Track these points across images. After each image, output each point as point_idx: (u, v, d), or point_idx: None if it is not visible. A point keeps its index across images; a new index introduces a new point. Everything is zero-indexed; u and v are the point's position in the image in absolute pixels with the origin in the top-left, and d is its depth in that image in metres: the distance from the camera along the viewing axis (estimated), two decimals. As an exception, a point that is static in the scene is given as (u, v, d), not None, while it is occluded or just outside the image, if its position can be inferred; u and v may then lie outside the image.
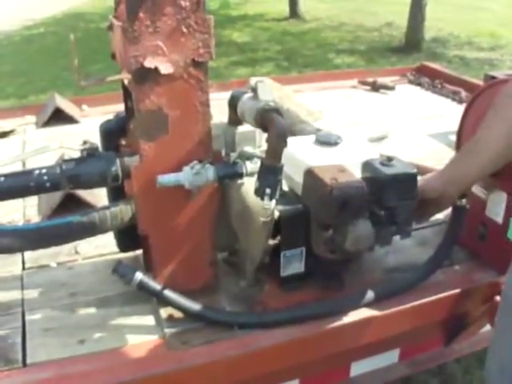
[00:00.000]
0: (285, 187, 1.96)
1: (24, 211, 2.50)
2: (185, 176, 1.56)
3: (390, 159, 1.75)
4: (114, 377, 1.56)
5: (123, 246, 1.98)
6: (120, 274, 1.68)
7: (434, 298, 1.77)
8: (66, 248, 2.15)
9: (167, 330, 1.72)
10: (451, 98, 3.85)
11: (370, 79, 4.09)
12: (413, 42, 8.47)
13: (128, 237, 1.88)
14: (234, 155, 1.63)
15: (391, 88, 4.02)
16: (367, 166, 1.78)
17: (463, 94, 3.85)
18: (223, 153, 1.68)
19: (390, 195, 1.71)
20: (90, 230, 1.71)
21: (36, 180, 1.63)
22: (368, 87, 4.10)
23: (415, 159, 2.92)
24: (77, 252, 2.18)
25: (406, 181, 1.72)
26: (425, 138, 3.24)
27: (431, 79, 4.15)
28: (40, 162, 1.85)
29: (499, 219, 1.94)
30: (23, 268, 2.08)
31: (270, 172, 1.51)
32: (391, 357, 2.04)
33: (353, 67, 7.07)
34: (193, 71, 1.54)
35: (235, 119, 1.74)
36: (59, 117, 3.53)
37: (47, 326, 1.78)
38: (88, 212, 1.70)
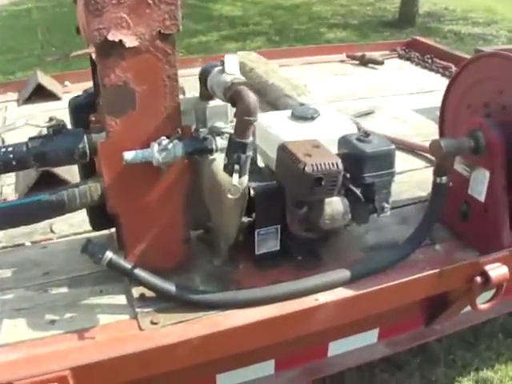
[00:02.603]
0: (261, 163, 1.93)
1: (1, 190, 2.46)
2: (152, 152, 1.51)
3: (366, 134, 1.70)
4: (84, 357, 1.52)
5: (96, 224, 1.93)
6: (89, 253, 1.64)
7: (411, 277, 1.72)
8: (41, 227, 2.12)
9: (138, 310, 1.69)
10: (441, 74, 3.79)
11: (359, 53, 4.02)
12: (406, 16, 8.32)
13: (101, 215, 1.83)
14: (203, 131, 1.57)
15: (380, 63, 3.95)
16: (343, 141, 1.74)
17: (454, 69, 3.77)
18: (193, 128, 1.62)
19: (366, 172, 1.67)
20: (59, 208, 1.67)
21: (2, 158, 1.58)
22: (356, 62, 4.03)
23: (401, 135, 2.91)
24: (52, 231, 2.14)
25: (383, 157, 1.68)
26: (412, 114, 3.19)
27: (422, 54, 4.08)
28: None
29: (481, 198, 1.90)
30: (-3, 247, 2.04)
31: (239, 148, 1.46)
32: (370, 336, 2.01)
33: (345, 42, 6.94)
34: (159, 44, 1.48)
35: (206, 94, 1.68)
36: (41, 94, 3.46)
37: (19, 306, 1.74)
38: (57, 190, 1.66)
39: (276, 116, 1.89)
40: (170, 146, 1.51)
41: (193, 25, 8.82)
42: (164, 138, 1.51)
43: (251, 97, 1.46)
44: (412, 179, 2.44)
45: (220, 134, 1.56)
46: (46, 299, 1.78)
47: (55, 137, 1.59)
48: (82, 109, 1.76)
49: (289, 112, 1.88)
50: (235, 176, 1.46)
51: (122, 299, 1.76)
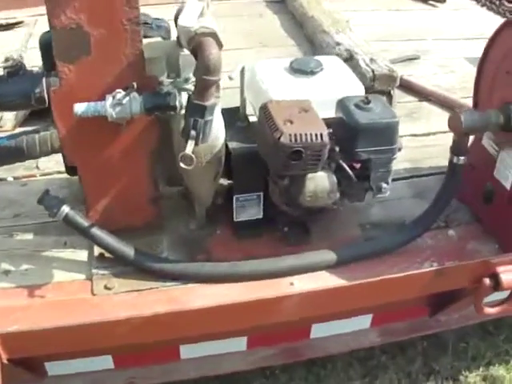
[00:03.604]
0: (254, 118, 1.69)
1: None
2: (105, 106, 1.30)
3: (367, 101, 1.43)
4: (27, 320, 1.41)
5: (70, 170, 1.77)
6: (45, 206, 1.49)
7: (404, 274, 1.49)
8: (28, 162, 1.97)
9: (94, 271, 1.55)
10: (507, 18, 3.30)
11: (420, -13, 3.57)
12: None
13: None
14: (166, 84, 1.34)
15: (441, 0, 3.49)
16: (341, 105, 1.47)
17: (525, 15, 3.31)
18: (163, 80, 1.39)
19: (360, 146, 1.42)
20: (17, 154, 1.54)
21: None
22: (417, -4, 3.59)
23: (445, 86, 2.57)
24: (37, 167, 2.01)
25: (381, 130, 1.42)
26: (463, 63, 2.79)
27: (493, -6, 3.58)
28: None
29: (507, 184, 1.61)
30: (-22, 182, 1.94)
31: (196, 112, 1.24)
32: (362, 322, 1.80)
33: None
34: None
35: (183, 39, 1.44)
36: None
37: (-22, 250, 1.65)
38: (15, 135, 1.51)
39: (272, 66, 1.63)
40: (126, 100, 1.30)
41: None
42: (120, 90, 1.30)
43: (213, 53, 1.21)
44: (441, 143, 2.10)
45: (183, 90, 1.33)
46: (9, 245, 1.67)
47: (10, 79, 1.41)
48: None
49: (287, 62, 1.61)
50: (190, 143, 1.24)
51: (83, 255, 1.63)
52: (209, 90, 1.23)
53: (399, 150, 2.07)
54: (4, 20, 3.07)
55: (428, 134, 2.26)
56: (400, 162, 2.03)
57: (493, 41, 1.67)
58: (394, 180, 1.92)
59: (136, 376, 1.72)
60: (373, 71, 2.43)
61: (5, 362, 1.35)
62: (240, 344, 1.71)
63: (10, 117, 2.31)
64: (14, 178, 1.97)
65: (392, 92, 2.47)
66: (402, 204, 1.85)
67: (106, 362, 1.64)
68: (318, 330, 1.76)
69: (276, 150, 1.33)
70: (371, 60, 2.49)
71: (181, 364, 1.72)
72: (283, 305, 1.45)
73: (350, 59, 2.56)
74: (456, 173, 1.57)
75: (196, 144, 1.25)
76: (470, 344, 2.24)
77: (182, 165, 1.24)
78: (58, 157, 1.93)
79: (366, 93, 2.45)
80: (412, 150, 2.10)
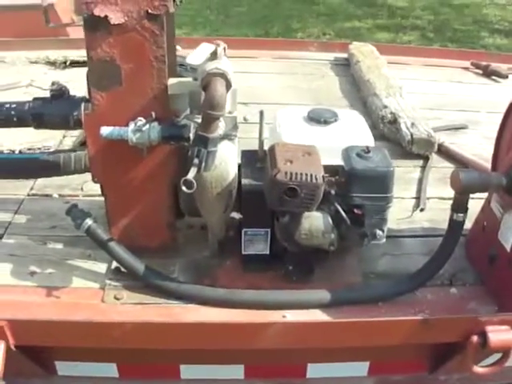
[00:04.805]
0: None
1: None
2: (127, 131, 1.48)
3: (368, 150, 1.53)
4: (39, 315, 1.58)
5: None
6: (72, 217, 1.68)
7: (387, 319, 1.54)
8: (75, 183, 2.21)
9: (107, 282, 1.71)
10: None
11: (484, 63, 3.63)
12: None
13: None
14: (182, 117, 1.51)
15: (504, 76, 3.53)
16: (345, 153, 1.58)
17: None
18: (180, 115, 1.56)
19: (354, 191, 1.51)
20: (54, 169, 1.74)
21: (5, 113, 1.65)
22: (480, 71, 3.65)
23: (486, 157, 2.58)
24: (82, 189, 2.22)
25: (376, 178, 1.51)
26: (511, 138, 2.81)
27: (558, 73, 3.58)
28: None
29: (508, 246, 1.63)
30: (28, 194, 2.16)
31: (201, 142, 1.39)
32: (359, 368, 1.83)
33: (502, 50, 6.34)
34: (147, 24, 1.44)
35: (205, 78, 1.61)
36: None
37: (13, 253, 1.85)
38: (54, 152, 1.72)
39: (292, 113, 1.77)
40: (146, 127, 1.47)
41: (352, 8, 8.64)
42: (141, 118, 1.48)
43: (218, 90, 1.37)
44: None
45: (195, 123, 1.49)
46: (41, 252, 1.86)
47: (54, 101, 1.63)
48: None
49: (305, 111, 1.75)
50: (192, 170, 1.39)
51: (102, 267, 1.79)
52: (212, 124, 1.39)
53: (421, 210, 2.15)
54: (83, 58, 3.44)
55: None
56: (420, 221, 2.11)
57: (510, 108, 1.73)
58: (409, 237, 2.02)
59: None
60: (411, 135, 2.53)
61: (12, 348, 1.50)
62: (238, 372, 1.79)
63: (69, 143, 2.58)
64: (60, 196, 2.19)
65: (430, 156, 2.55)
66: (412, 259, 1.88)
67: (111, 369, 1.76)
68: (314, 371, 1.80)
69: (272, 186, 1.45)
70: (412, 124, 2.59)
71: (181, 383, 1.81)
72: (270, 331, 1.53)
73: (393, 122, 2.68)
74: (455, 229, 1.61)
75: (198, 171, 1.39)
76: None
77: (183, 188, 1.38)
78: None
79: (405, 155, 2.56)
80: (435, 212, 2.15)
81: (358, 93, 3.23)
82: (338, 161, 1.59)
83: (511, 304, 1.60)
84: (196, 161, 1.38)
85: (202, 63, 1.46)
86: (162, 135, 1.49)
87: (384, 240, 1.59)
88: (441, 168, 2.53)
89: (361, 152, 1.53)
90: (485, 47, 6.71)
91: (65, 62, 3.31)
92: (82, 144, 2.34)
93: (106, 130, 1.49)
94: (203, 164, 1.39)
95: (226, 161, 1.54)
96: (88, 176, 1.86)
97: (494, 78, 3.58)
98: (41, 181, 2.21)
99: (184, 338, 1.51)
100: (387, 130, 2.65)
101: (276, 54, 3.73)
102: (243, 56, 3.46)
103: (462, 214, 1.59)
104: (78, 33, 3.85)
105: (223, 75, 1.40)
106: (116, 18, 1.41)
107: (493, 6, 9.07)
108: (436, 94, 3.29)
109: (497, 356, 1.58)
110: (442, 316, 1.57)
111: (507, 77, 3.55)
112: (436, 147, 2.54)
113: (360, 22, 8.01)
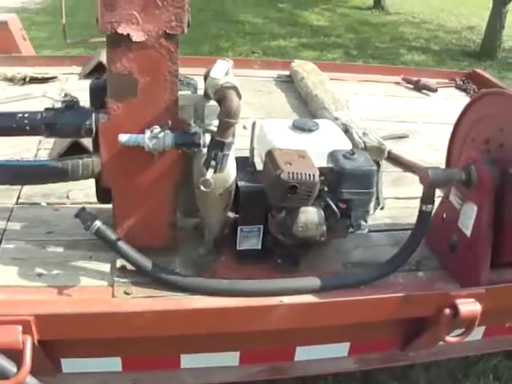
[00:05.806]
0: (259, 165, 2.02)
1: (37, 153, 2.66)
2: (143, 138, 1.64)
3: (352, 152, 1.77)
4: (56, 309, 1.69)
5: (101, 197, 2.09)
6: (81, 219, 1.80)
7: (373, 296, 1.78)
8: (59, 191, 2.31)
9: (116, 279, 1.84)
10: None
11: (414, 78, 4.01)
12: (488, 49, 8.08)
13: (106, 189, 1.98)
14: (194, 126, 1.69)
15: (433, 90, 3.93)
16: (331, 156, 1.81)
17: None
18: (191, 123, 1.74)
19: (344, 187, 1.74)
20: (62, 175, 1.83)
21: (18, 122, 1.75)
22: (411, 86, 4.03)
23: (430, 162, 2.91)
24: (68, 197, 2.32)
25: (362, 176, 1.75)
26: (447, 143, 3.16)
27: (479, 87, 4.01)
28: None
29: (468, 232, 1.92)
30: (16, 202, 2.24)
31: (218, 146, 1.58)
32: (341, 349, 2.05)
33: (421, 66, 6.88)
34: (164, 42, 1.62)
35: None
36: (102, 71, 3.68)
37: (17, 256, 1.93)
38: (62, 159, 1.83)
39: (278, 123, 1.98)
40: (161, 135, 1.64)
41: (277, 28, 9.02)
42: (156, 126, 1.64)
43: (234, 101, 1.57)
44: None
45: (207, 131, 1.68)
46: (42, 255, 1.95)
47: (66, 111, 1.75)
48: (100, 91, 1.91)
49: (290, 122, 1.97)
50: (210, 171, 1.57)
51: (106, 267, 1.91)
52: (228, 130, 1.58)
53: (382, 208, 2.42)
54: (41, 74, 3.53)
55: (410, 198, 2.58)
56: (381, 218, 2.38)
57: (463, 114, 2.05)
58: (375, 231, 2.28)
59: (140, 379, 1.96)
60: (364, 143, 2.79)
61: (36, 343, 1.61)
62: (234, 359, 1.96)
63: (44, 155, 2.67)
64: (47, 204, 2.28)
65: (380, 162, 2.84)
66: (381, 250, 2.14)
67: (114, 363, 1.88)
68: (302, 353, 2.01)
69: (277, 184, 1.65)
70: (364, 133, 2.87)
71: (180, 372, 1.96)
72: (271, 313, 1.74)
73: (345, 132, 2.94)
74: (424, 219, 1.88)
75: (215, 172, 1.57)
76: (439, 388, 2.48)
77: (202, 188, 1.56)
78: (88, 190, 2.26)
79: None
80: (393, 210, 2.42)
81: (306, 107, 3.49)
82: (323, 163, 1.82)
83: (472, 281, 1.88)
84: (213, 163, 1.56)
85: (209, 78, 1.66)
86: (176, 142, 1.66)
87: (367, 230, 1.82)
88: (391, 172, 2.82)
89: (347, 154, 1.77)
90: (404, 63, 7.25)
91: (24, 79, 3.37)
92: (61, 155, 2.46)
93: (123, 137, 1.65)
94: (219, 166, 1.58)
95: (229, 164, 1.73)
96: (72, 184, 2.00)
97: (424, 91, 3.97)
98: (26, 190, 2.30)
99: (201, 323, 1.68)
100: (341, 140, 2.91)
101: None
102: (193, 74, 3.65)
103: (430, 206, 1.86)
104: (29, 50, 3.97)
105: (235, 88, 1.60)
106: (137, 36, 1.58)
107: (408, 24, 9.77)
108: (376, 107, 3.61)
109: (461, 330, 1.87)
110: (419, 293, 1.82)
111: (437, 90, 3.94)
112: (386, 154, 2.83)
113: (285, 40, 8.39)
